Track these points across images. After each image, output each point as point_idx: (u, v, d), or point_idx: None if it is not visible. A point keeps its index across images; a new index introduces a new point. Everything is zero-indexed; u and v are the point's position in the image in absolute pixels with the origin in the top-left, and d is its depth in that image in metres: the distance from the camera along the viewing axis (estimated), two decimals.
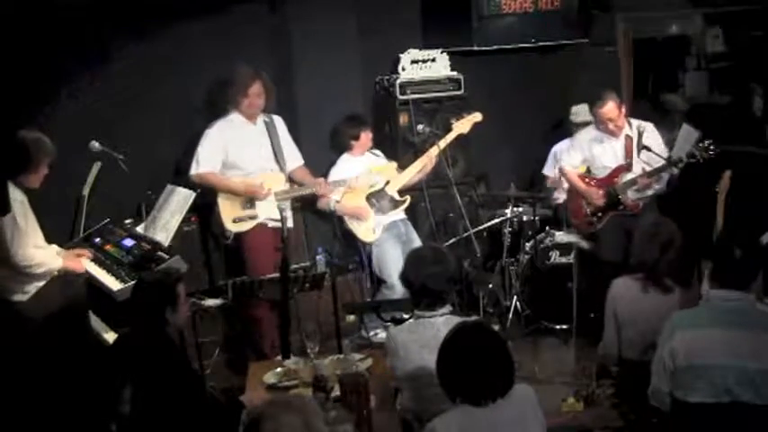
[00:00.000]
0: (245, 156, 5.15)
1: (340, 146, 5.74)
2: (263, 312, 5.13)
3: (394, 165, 5.79)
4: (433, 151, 5.56)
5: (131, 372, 3.33)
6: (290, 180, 5.38)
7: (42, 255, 4.19)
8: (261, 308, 5.11)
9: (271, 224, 5.11)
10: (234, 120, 5.17)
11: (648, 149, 5.20)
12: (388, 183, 5.67)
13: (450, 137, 5.67)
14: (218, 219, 5.15)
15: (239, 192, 5.13)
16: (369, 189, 5.62)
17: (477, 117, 5.71)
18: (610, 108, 5.21)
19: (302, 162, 5.44)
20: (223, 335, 5.26)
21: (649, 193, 5.34)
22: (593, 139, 5.45)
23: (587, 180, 5.52)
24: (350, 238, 5.74)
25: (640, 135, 5.23)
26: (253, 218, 5.15)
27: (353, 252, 5.80)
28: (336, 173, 5.64)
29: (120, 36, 5.25)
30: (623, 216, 5.35)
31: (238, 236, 5.15)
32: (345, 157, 5.71)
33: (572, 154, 5.58)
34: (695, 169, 5.26)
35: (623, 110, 5.29)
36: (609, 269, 4.81)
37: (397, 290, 5.51)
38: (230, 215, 5.14)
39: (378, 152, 5.85)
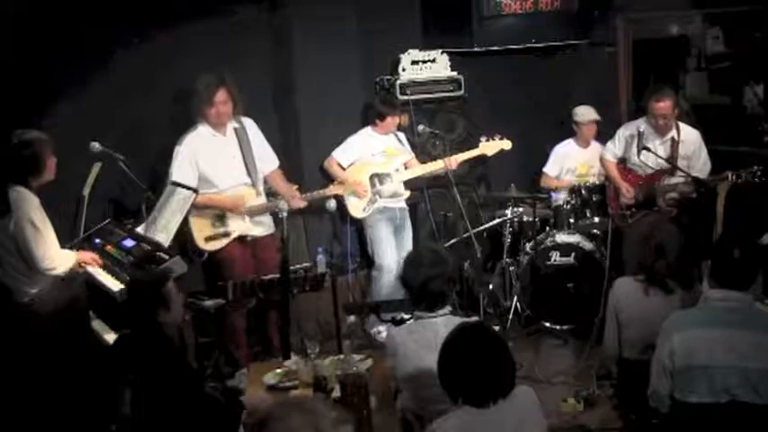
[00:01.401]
0: (217, 171, 4.95)
1: (367, 118, 5.76)
2: (264, 313, 5.14)
3: (411, 156, 5.79)
4: (452, 161, 5.53)
5: (131, 373, 3.33)
6: (265, 183, 5.23)
7: (62, 255, 4.23)
8: (258, 310, 5.11)
9: (248, 238, 5.05)
10: (202, 133, 4.95)
11: (648, 150, 5.20)
12: (397, 170, 5.68)
13: (473, 153, 5.67)
14: (191, 238, 4.96)
15: (222, 206, 4.96)
16: (374, 169, 5.63)
17: (506, 145, 5.69)
18: (666, 105, 5.19)
19: (277, 164, 5.26)
20: (223, 335, 5.25)
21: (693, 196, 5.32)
22: (637, 134, 5.43)
23: (627, 175, 5.52)
24: (342, 211, 5.71)
25: (640, 136, 5.23)
26: (226, 235, 4.99)
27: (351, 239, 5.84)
28: (354, 142, 5.66)
29: (120, 36, 5.24)
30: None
31: (212, 253, 5.00)
32: (368, 130, 5.71)
33: (616, 145, 5.59)
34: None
35: (676, 111, 5.28)
36: (629, 268, 4.79)
37: (385, 272, 5.60)
38: (202, 234, 4.97)
39: (403, 137, 5.82)
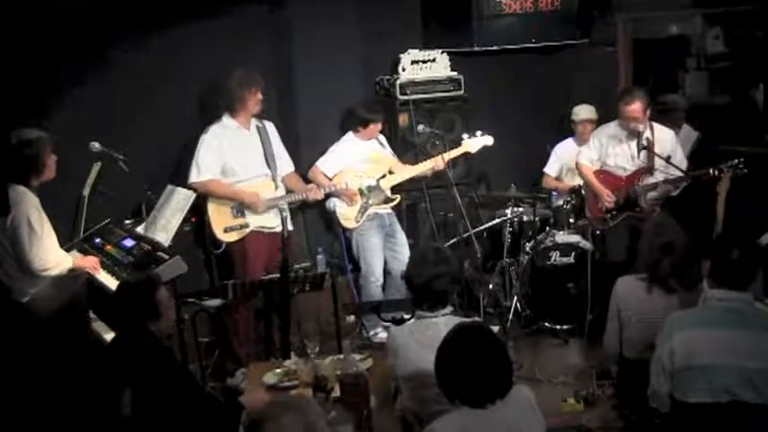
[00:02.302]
0: (241, 162, 5.10)
1: (348, 125, 5.73)
2: (260, 314, 5.15)
3: (395, 160, 5.78)
4: (438, 161, 5.53)
5: (130, 373, 3.32)
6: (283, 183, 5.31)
7: (56, 257, 4.23)
8: (262, 309, 5.12)
9: (265, 231, 5.12)
10: (228, 125, 5.11)
11: (648, 150, 5.21)
12: (384, 176, 5.67)
13: (457, 152, 5.65)
14: (209, 228, 5.08)
15: (242, 199, 5.07)
16: (363, 179, 5.61)
17: (488, 141, 5.67)
18: (636, 107, 5.18)
19: (293, 168, 5.42)
20: (227, 331, 5.24)
21: (673, 194, 5.34)
22: (612, 136, 5.43)
23: (605, 178, 5.52)
24: (330, 220, 5.73)
25: (640, 135, 5.23)
26: (244, 227, 5.09)
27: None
28: (338, 151, 5.62)
29: (120, 36, 5.25)
30: (635, 218, 5.35)
31: (229, 244, 5.10)
32: (351, 136, 5.67)
33: (590, 149, 5.58)
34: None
35: (648, 112, 5.28)
36: (615, 269, 4.81)
37: (372, 280, 5.60)
38: (221, 224, 5.07)
39: (384, 140, 5.80)
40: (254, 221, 5.11)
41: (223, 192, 5.07)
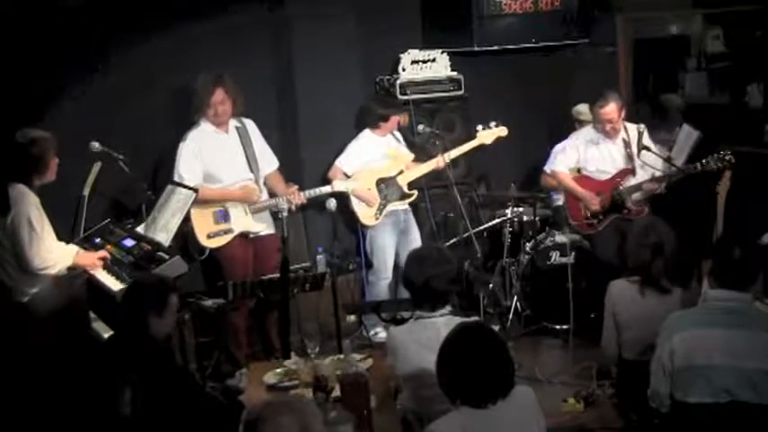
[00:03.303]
0: (222, 166, 5.00)
1: (365, 123, 5.70)
2: (260, 314, 5.15)
3: (411, 156, 5.77)
4: (452, 153, 5.54)
5: (129, 374, 3.32)
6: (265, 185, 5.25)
7: (56, 255, 4.23)
8: (258, 310, 5.12)
9: (251, 235, 5.08)
10: (205, 129, 5.00)
11: (649, 149, 5.21)
12: (401, 172, 5.66)
13: (472, 144, 5.64)
14: (193, 235, 4.99)
15: (236, 198, 5.02)
16: (380, 174, 5.60)
17: (502, 131, 5.65)
18: (611, 109, 5.20)
19: (277, 165, 5.31)
20: (223, 335, 5.25)
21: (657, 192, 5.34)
22: (589, 140, 5.44)
23: (586, 183, 5.50)
24: (350, 220, 5.72)
25: (640, 135, 5.22)
26: (228, 232, 5.01)
27: (352, 239, 5.84)
28: (356, 148, 5.61)
29: (120, 36, 5.25)
30: (622, 219, 5.36)
31: (214, 250, 5.02)
32: (368, 133, 5.65)
33: (567, 155, 5.56)
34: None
35: (623, 113, 5.28)
36: (605, 271, 4.82)
37: (382, 277, 5.60)
38: (204, 230, 4.99)
39: (399, 136, 5.80)
40: (238, 226, 5.04)
41: (211, 195, 4.96)
